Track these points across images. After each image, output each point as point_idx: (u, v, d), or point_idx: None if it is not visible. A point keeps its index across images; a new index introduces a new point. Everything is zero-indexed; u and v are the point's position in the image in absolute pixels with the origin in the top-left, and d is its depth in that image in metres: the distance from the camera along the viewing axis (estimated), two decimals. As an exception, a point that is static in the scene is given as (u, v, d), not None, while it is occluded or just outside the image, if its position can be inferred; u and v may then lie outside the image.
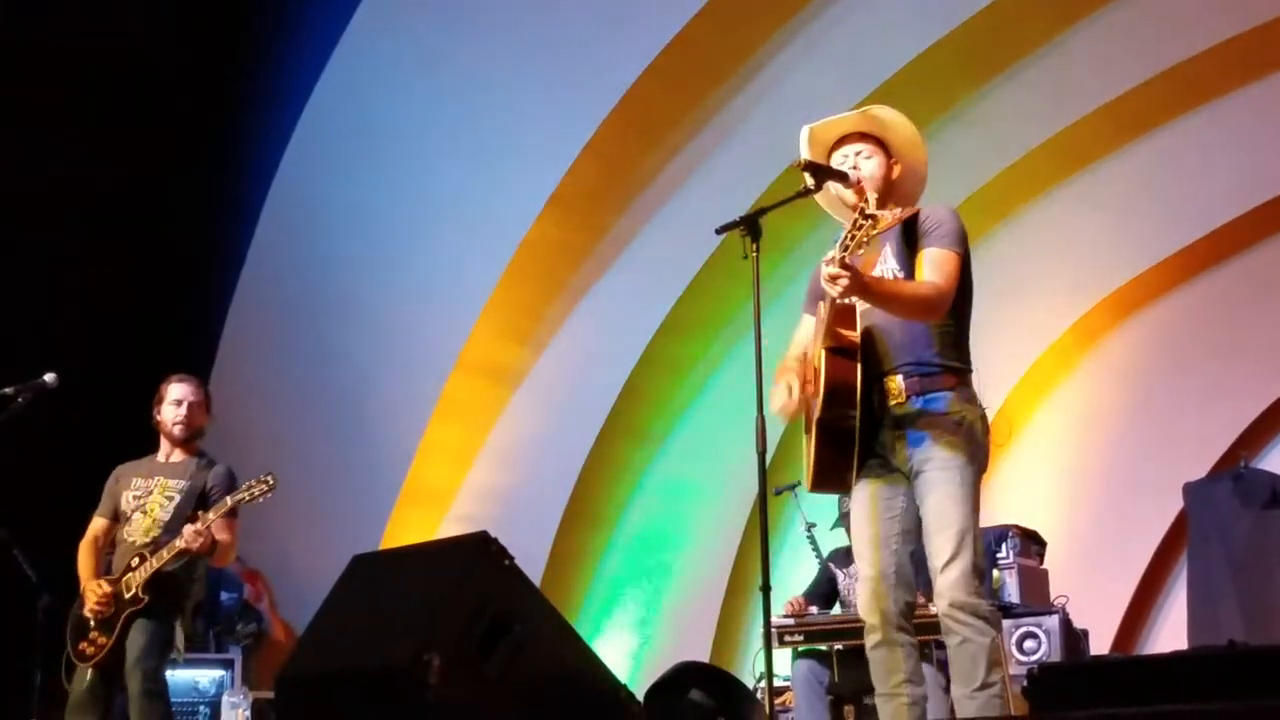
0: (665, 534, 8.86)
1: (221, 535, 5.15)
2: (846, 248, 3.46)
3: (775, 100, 7.53)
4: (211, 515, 5.02)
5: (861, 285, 3.54)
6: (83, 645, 5.15)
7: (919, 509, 3.72)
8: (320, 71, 8.12)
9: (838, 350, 3.71)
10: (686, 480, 8.81)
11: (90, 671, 5.12)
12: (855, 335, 3.73)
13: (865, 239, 3.47)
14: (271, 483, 5.07)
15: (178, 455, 5.42)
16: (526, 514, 8.26)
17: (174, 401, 5.40)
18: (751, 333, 3.88)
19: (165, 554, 5.06)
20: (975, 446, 3.69)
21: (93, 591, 5.15)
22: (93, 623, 5.14)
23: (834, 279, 3.48)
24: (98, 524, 5.41)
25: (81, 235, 7.65)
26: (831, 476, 3.80)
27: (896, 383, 3.73)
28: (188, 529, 5.01)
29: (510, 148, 7.76)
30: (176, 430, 5.39)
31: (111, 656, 5.10)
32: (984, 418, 3.79)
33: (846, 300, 3.65)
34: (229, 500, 5.05)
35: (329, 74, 8.09)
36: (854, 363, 3.70)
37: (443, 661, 3.42)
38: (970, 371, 3.81)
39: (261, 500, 5.08)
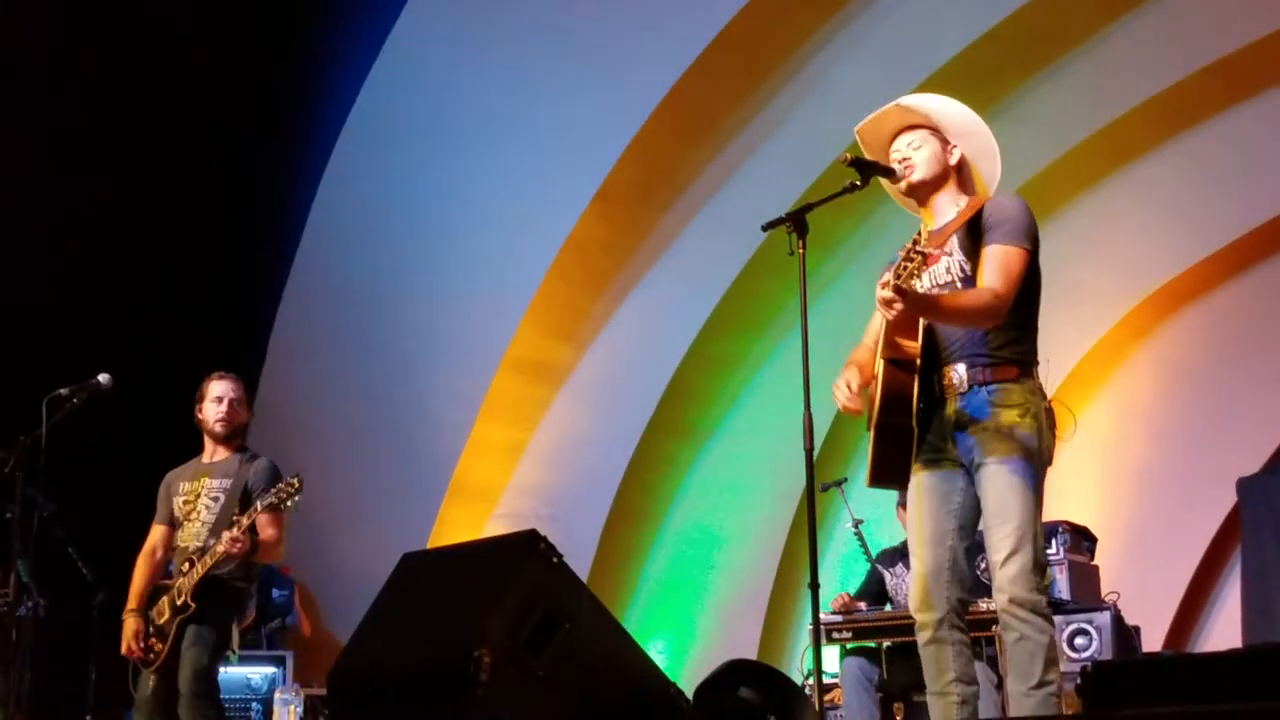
0: (712, 531, 8.85)
1: (267, 531, 5.17)
2: (899, 275, 3.45)
3: (819, 96, 7.50)
4: (245, 520, 5.01)
5: (917, 305, 3.54)
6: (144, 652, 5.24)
7: (979, 501, 3.67)
8: (366, 73, 8.17)
9: (896, 361, 3.72)
10: (733, 477, 8.80)
11: (153, 676, 5.18)
12: (915, 345, 3.71)
13: (917, 271, 3.47)
14: (297, 485, 5.04)
15: (221, 453, 5.44)
16: (573, 511, 8.29)
17: (215, 399, 5.42)
18: (798, 329, 3.87)
19: (209, 559, 5.07)
20: (1039, 439, 3.63)
21: (127, 627, 5.21)
22: (151, 629, 5.20)
23: (889, 304, 3.48)
24: (156, 532, 5.45)
25: (133, 236, 7.75)
26: (889, 474, 3.78)
27: (958, 372, 3.69)
28: (225, 535, 5.01)
29: (554, 146, 7.77)
30: (218, 427, 5.40)
31: (171, 659, 5.17)
32: (1049, 410, 3.72)
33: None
34: (259, 504, 5.04)
35: (375, 75, 8.14)
36: (911, 375, 3.69)
37: (493, 658, 3.43)
38: (1035, 364, 3.75)
39: (290, 504, 5.07)
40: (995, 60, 7.23)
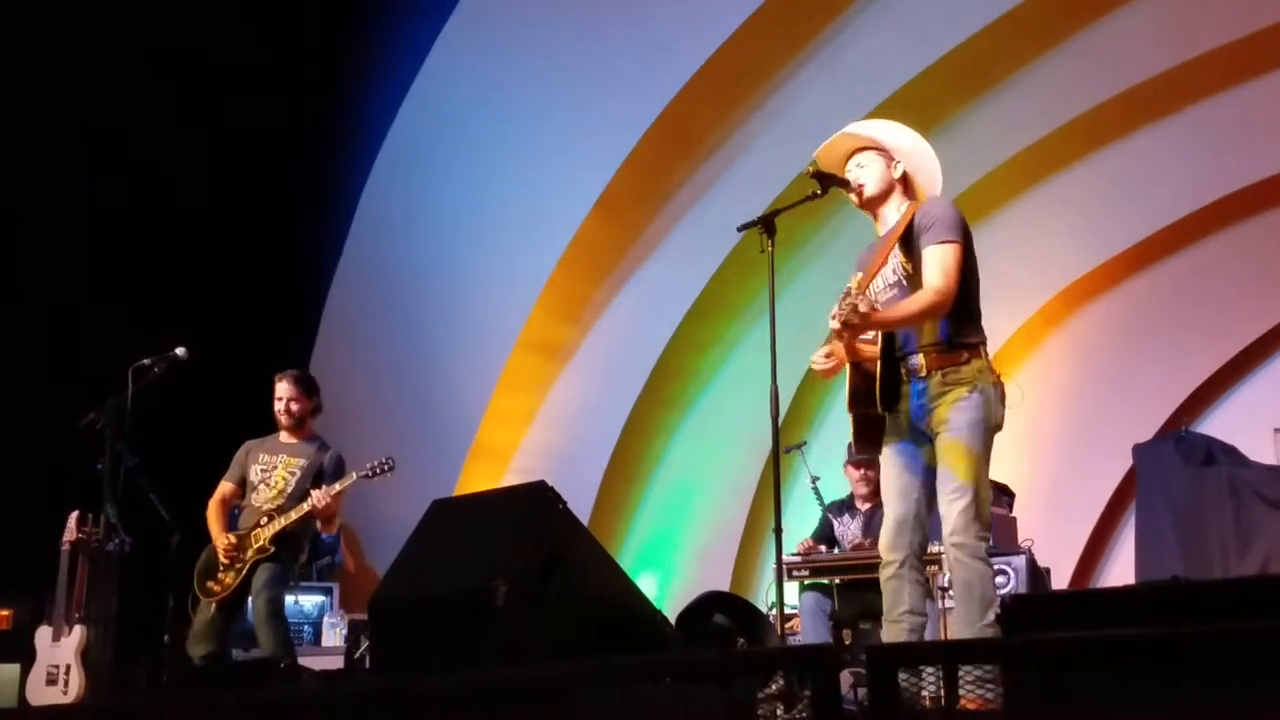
0: (692, 485, 8.86)
1: (336, 505, 5.28)
2: (841, 312, 3.44)
3: (788, 118, 7.49)
4: (339, 486, 5.15)
5: (868, 326, 3.55)
6: (210, 584, 5.24)
7: (938, 465, 3.67)
8: (403, 99, 8.14)
9: (858, 365, 3.76)
10: (710, 440, 8.81)
11: (213, 606, 5.19)
12: (874, 348, 3.73)
13: (848, 308, 3.45)
14: (391, 464, 5.20)
15: (295, 437, 5.50)
16: (576, 468, 8.29)
17: (277, 399, 5.51)
18: (767, 316, 3.88)
19: (293, 515, 5.17)
20: (988, 410, 3.60)
21: (223, 544, 5.27)
22: (221, 566, 5.22)
23: (839, 335, 3.55)
24: (225, 487, 5.49)
25: (207, 232, 7.71)
26: (868, 447, 3.81)
27: (919, 360, 3.67)
28: (316, 494, 5.13)
29: (563, 160, 7.76)
30: (283, 420, 5.50)
31: (235, 594, 5.19)
32: (997, 384, 3.68)
33: None
34: (354, 475, 5.17)
35: (410, 100, 8.11)
36: (871, 376, 3.71)
37: (507, 588, 3.43)
38: (982, 343, 3.71)
39: (379, 480, 5.19)
40: (936, 90, 7.22)
